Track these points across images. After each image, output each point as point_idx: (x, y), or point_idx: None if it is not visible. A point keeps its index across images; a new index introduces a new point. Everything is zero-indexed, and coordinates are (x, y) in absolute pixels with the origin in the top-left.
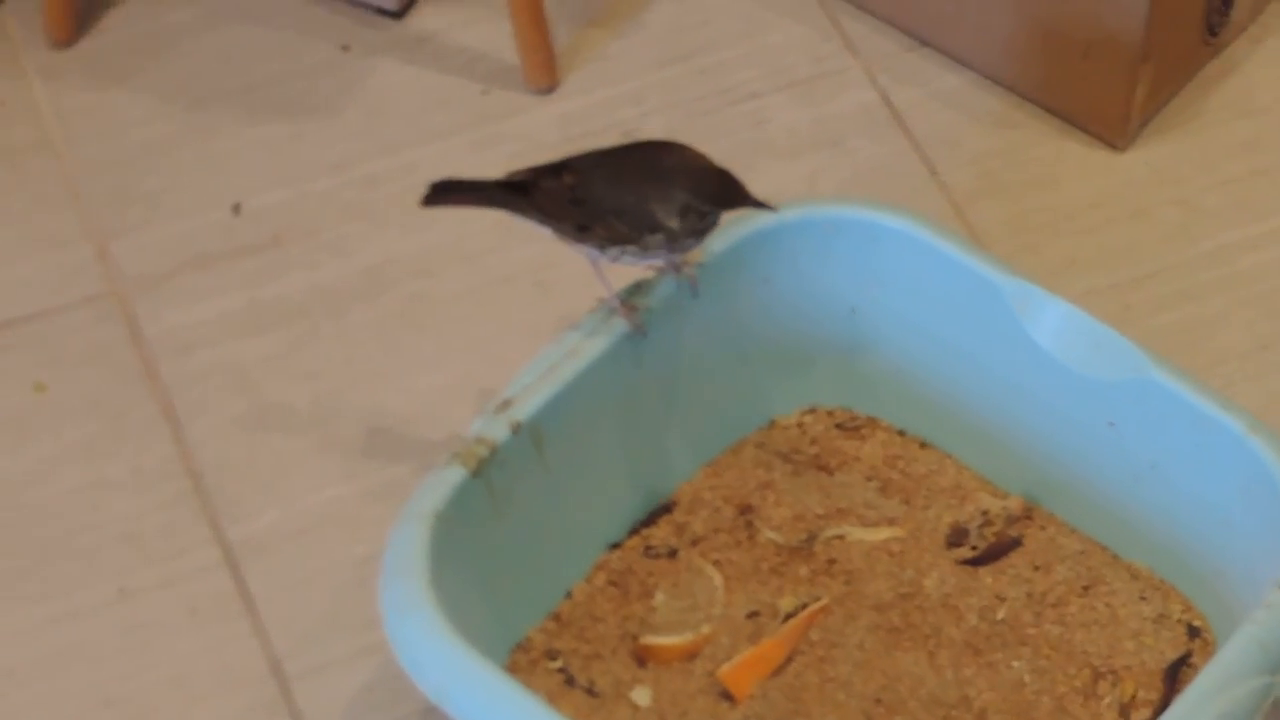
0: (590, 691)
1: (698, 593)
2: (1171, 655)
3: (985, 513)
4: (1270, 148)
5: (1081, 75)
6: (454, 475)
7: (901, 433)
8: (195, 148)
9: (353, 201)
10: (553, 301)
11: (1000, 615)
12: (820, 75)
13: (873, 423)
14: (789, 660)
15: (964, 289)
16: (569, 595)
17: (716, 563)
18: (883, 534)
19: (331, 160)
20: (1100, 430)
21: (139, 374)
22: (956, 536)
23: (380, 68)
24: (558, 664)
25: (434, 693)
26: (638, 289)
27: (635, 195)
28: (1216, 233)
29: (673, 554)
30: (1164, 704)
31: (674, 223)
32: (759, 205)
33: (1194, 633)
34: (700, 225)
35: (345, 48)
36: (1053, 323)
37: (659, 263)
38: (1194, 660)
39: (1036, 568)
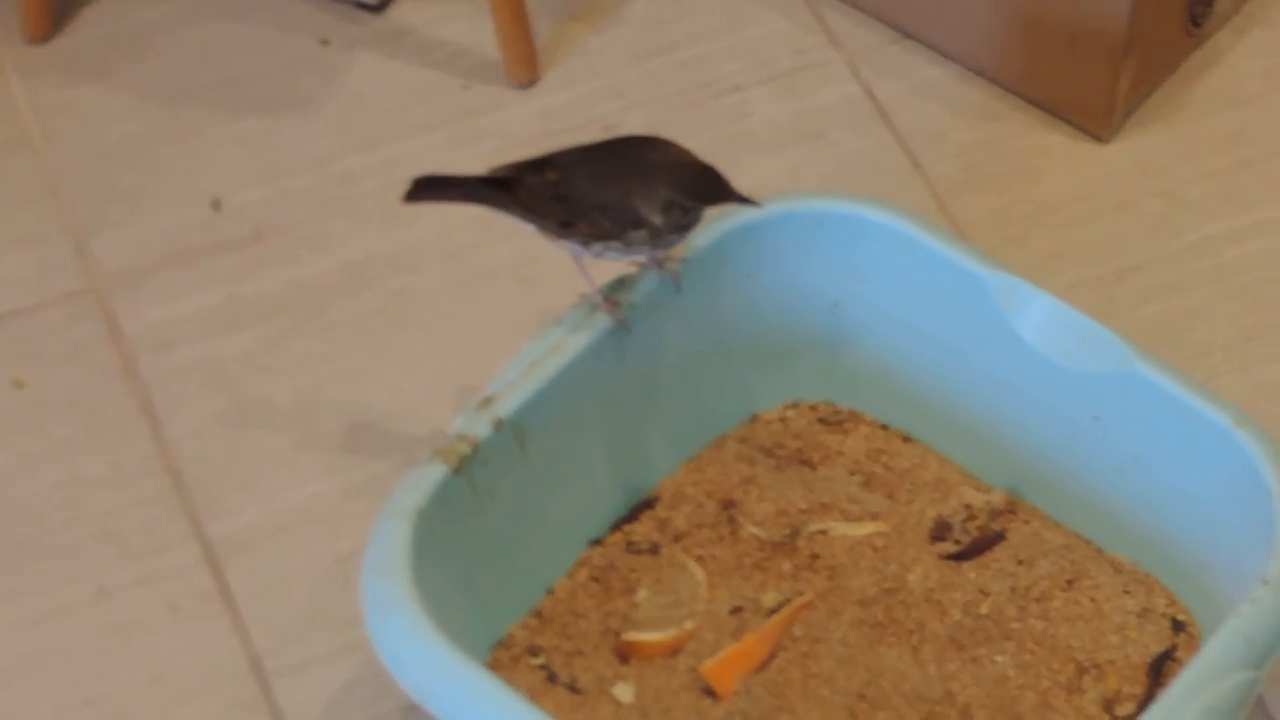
0: (572, 688)
1: (680, 588)
2: (1156, 649)
3: (969, 507)
4: (1254, 139)
5: (1065, 67)
6: (436, 472)
7: (885, 427)
8: (174, 143)
9: (333, 197)
10: (535, 297)
11: (984, 610)
12: (803, 68)
13: (856, 417)
14: (772, 656)
15: (947, 282)
16: (551, 592)
17: (699, 558)
18: (866, 529)
19: (312, 156)
20: (1084, 423)
21: (118, 370)
22: (940, 531)
23: (360, 62)
24: (540, 661)
25: (415, 690)
26: (620, 284)
27: (618, 191)
28: (1201, 225)
29: (655, 550)
30: (1148, 698)
31: (657, 218)
32: (742, 200)
33: (1178, 627)
34: (683, 221)
35: (324, 42)
36: (1036, 316)
37: (642, 258)
38: (1178, 655)
39: (1020, 562)
